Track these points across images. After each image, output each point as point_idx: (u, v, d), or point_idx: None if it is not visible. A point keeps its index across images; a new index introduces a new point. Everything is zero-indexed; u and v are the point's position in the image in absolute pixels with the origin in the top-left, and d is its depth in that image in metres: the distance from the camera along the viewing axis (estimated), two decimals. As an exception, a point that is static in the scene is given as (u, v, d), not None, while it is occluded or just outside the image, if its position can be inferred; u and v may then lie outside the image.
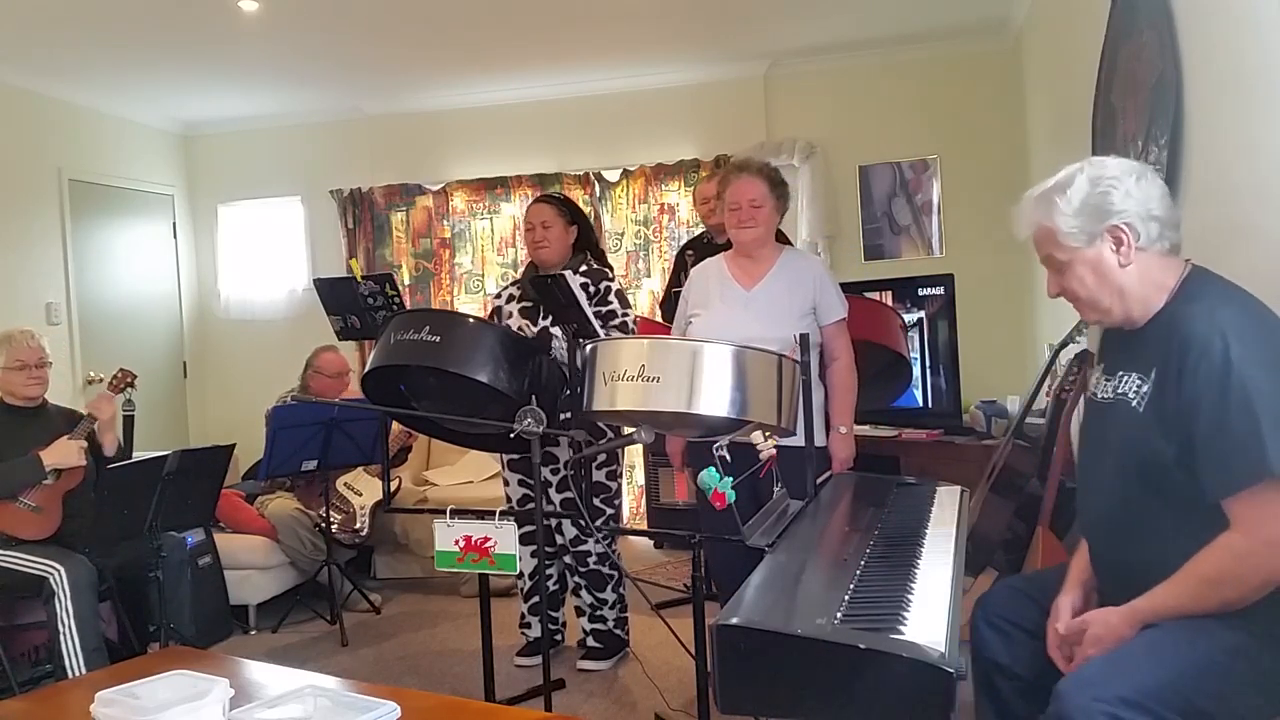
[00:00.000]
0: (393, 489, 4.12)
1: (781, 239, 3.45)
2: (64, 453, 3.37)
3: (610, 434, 3.44)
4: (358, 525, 4.52)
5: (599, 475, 3.56)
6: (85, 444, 3.44)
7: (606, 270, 3.59)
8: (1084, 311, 1.79)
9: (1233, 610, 1.57)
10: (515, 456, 3.53)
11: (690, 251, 4.37)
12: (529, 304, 3.50)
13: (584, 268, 3.53)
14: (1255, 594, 1.54)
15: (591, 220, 5.76)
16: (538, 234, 3.51)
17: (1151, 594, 1.64)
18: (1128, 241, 1.68)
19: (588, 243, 3.63)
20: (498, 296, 3.73)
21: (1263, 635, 1.56)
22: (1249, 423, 1.50)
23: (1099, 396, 1.82)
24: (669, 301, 4.52)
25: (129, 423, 3.69)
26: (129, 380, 3.67)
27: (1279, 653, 1.55)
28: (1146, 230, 1.67)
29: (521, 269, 4.02)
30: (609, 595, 3.61)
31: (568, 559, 3.62)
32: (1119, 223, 1.67)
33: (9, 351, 3.44)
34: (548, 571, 3.62)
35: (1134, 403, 1.69)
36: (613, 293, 3.49)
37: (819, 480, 2.62)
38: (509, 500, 3.66)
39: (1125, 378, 1.73)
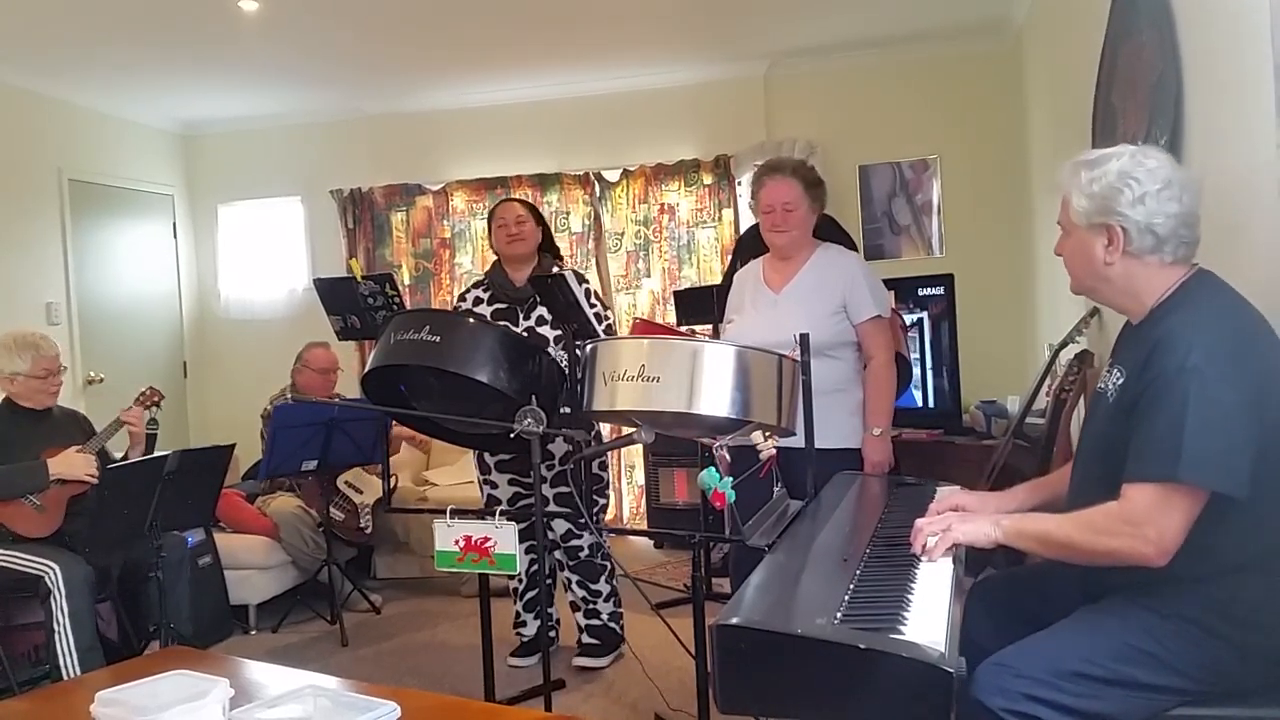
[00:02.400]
0: (392, 488, 4.12)
1: (831, 230, 3.37)
2: (71, 465, 3.36)
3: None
4: (361, 524, 4.53)
5: (590, 466, 3.59)
6: (95, 458, 3.43)
7: (578, 272, 3.69)
8: (1071, 281, 1.85)
9: (1087, 564, 1.69)
10: (506, 458, 3.55)
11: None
12: (503, 305, 3.52)
13: (555, 270, 3.54)
14: (1094, 561, 1.66)
15: (591, 220, 5.82)
16: (512, 229, 3.56)
17: (1021, 516, 1.81)
18: (1117, 244, 1.70)
19: (549, 245, 3.73)
20: (461, 299, 3.70)
21: (1180, 619, 1.62)
22: (1175, 427, 1.54)
23: (1098, 387, 1.89)
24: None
25: (151, 440, 3.72)
26: (156, 399, 3.72)
27: (1197, 639, 1.60)
28: (1140, 240, 1.68)
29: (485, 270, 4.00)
30: (602, 587, 3.62)
31: (558, 554, 3.63)
32: (1115, 224, 1.69)
33: (36, 359, 3.43)
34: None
35: (1110, 396, 1.76)
36: (593, 294, 3.55)
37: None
38: (498, 501, 3.64)
39: (1114, 371, 1.79)
